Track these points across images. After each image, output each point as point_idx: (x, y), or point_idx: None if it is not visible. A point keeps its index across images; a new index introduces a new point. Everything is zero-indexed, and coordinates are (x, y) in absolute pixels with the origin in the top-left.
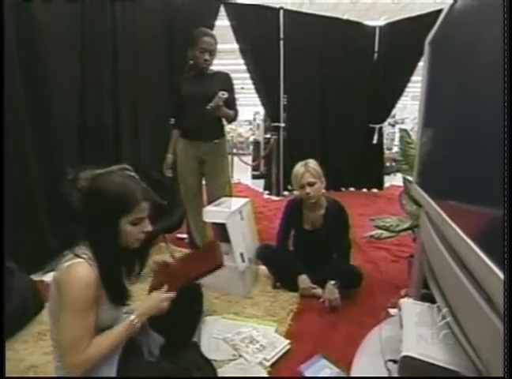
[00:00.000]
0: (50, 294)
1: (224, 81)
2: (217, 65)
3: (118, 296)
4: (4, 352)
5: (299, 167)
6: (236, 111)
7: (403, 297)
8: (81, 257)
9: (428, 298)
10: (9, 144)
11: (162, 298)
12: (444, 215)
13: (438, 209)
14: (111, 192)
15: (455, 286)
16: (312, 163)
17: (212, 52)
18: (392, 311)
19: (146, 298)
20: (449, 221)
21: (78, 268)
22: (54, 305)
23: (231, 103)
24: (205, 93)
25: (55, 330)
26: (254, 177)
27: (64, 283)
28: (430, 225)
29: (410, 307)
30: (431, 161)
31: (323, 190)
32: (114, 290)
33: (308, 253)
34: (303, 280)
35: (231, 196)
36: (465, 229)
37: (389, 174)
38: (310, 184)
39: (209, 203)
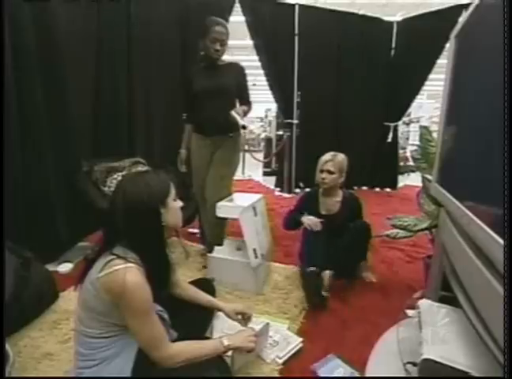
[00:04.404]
0: (94, 294)
1: (238, 73)
2: None
3: (164, 295)
4: (4, 352)
5: (328, 155)
6: (250, 104)
7: (418, 298)
8: (130, 261)
9: (446, 301)
10: (25, 137)
11: (251, 338)
12: (471, 214)
13: (464, 209)
14: (152, 182)
15: (483, 288)
16: (341, 156)
17: (224, 42)
18: (409, 312)
19: (240, 332)
20: (478, 221)
21: (135, 275)
22: (100, 304)
23: (244, 95)
24: (217, 86)
25: (88, 323)
26: (266, 174)
27: (127, 288)
28: (452, 225)
29: (429, 309)
30: (457, 159)
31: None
32: (162, 290)
33: (324, 238)
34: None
35: (230, 193)
36: (497, 229)
37: (402, 173)
38: (329, 172)
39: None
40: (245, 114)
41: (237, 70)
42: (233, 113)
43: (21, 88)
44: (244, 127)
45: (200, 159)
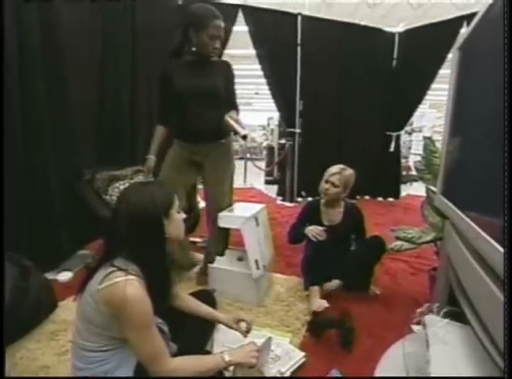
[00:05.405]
0: (94, 306)
1: (227, 73)
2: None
3: (164, 307)
4: (4, 352)
5: (336, 167)
6: (238, 109)
7: (423, 313)
8: (131, 273)
9: (453, 315)
10: (28, 143)
11: (253, 353)
12: (477, 228)
13: (470, 221)
14: (156, 193)
15: (490, 303)
16: (349, 171)
17: (221, 38)
18: (415, 328)
19: (241, 347)
20: (485, 235)
21: (135, 287)
22: (99, 317)
23: (232, 99)
24: (207, 86)
25: (87, 336)
26: (267, 182)
27: (127, 301)
28: (458, 237)
29: (436, 324)
30: (462, 170)
31: None
32: (163, 303)
33: (327, 248)
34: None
35: (230, 205)
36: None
37: (405, 183)
38: (334, 185)
39: (208, 214)
40: (236, 121)
41: (226, 69)
42: (230, 120)
43: (25, 93)
44: (245, 137)
45: (174, 169)
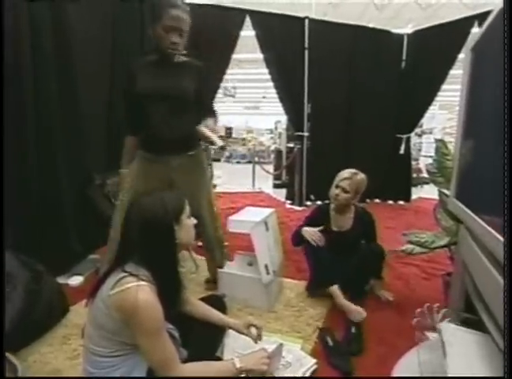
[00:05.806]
0: (105, 311)
1: (198, 75)
2: (239, 75)
3: (174, 313)
4: (3, 351)
5: (348, 172)
6: (215, 115)
7: (424, 313)
8: (142, 279)
9: (470, 323)
10: (40, 147)
11: (264, 360)
12: (495, 232)
13: (486, 226)
14: (167, 198)
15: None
16: (360, 176)
17: (183, 32)
18: (430, 335)
19: (252, 353)
20: (500, 237)
21: (147, 293)
22: (111, 322)
23: (207, 104)
24: (173, 88)
25: (98, 341)
26: (276, 186)
27: (138, 307)
28: (473, 242)
29: (452, 332)
30: (477, 173)
31: None
32: (173, 308)
33: (335, 254)
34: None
35: (216, 220)
36: None
37: (415, 185)
38: (344, 190)
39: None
40: (213, 130)
41: (197, 70)
42: (204, 129)
43: (39, 94)
44: (223, 148)
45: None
